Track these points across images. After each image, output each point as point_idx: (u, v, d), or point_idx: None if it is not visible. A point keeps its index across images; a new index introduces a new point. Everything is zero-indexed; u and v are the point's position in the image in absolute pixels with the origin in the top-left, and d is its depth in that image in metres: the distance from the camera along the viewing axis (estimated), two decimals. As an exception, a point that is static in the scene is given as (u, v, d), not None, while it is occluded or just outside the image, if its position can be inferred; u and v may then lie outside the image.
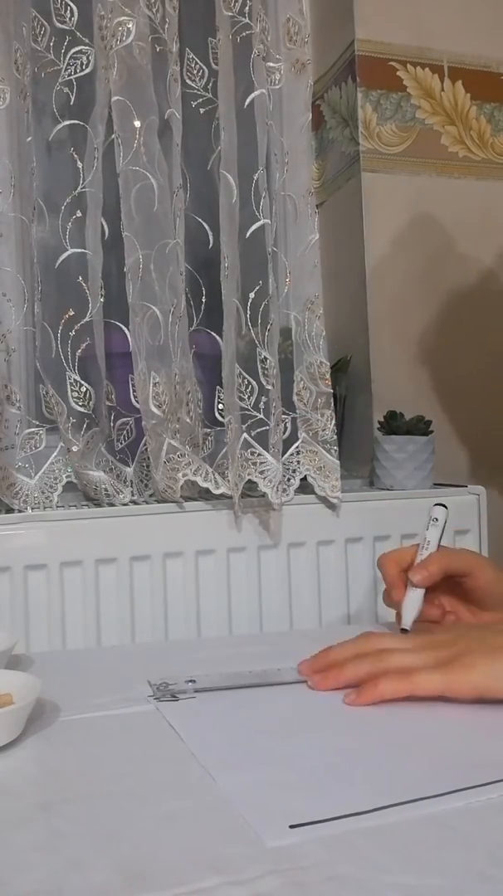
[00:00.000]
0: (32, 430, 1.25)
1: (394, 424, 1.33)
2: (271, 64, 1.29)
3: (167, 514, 1.20)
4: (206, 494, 1.23)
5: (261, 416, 1.20)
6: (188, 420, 1.25)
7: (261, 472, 1.19)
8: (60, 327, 1.21)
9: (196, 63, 1.34)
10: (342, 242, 1.52)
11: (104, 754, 0.49)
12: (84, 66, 1.23)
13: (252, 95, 1.22)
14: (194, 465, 1.19)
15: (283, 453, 1.24)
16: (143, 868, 0.35)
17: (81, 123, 1.23)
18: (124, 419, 1.28)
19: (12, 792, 0.44)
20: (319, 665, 0.63)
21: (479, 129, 1.54)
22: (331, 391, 1.27)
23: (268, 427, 1.20)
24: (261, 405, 1.20)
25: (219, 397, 1.26)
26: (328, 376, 1.27)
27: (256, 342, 1.20)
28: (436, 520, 0.78)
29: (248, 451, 1.20)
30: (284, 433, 1.24)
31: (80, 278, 1.22)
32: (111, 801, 0.42)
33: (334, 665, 0.61)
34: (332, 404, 1.27)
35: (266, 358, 1.20)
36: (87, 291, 1.22)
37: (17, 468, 1.23)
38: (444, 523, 0.78)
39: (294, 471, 1.26)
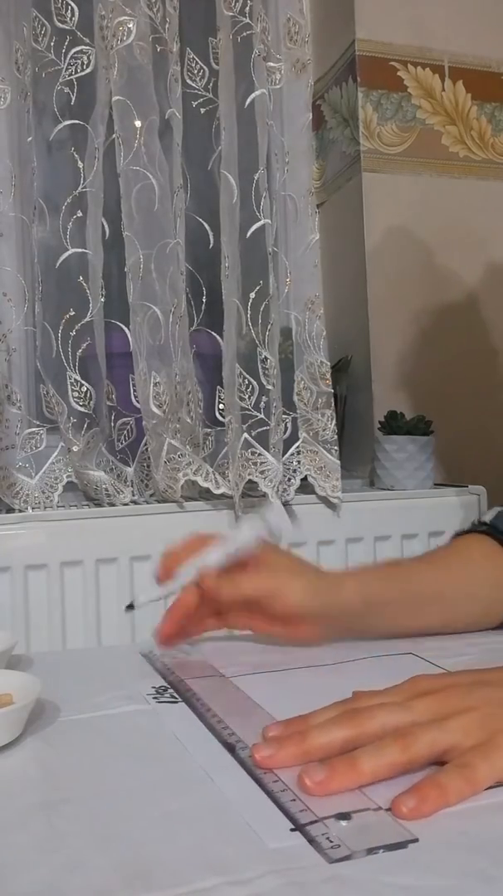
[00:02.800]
0: (33, 429, 1.25)
1: (394, 424, 1.33)
2: (272, 64, 1.29)
3: (167, 514, 1.20)
4: (206, 494, 1.23)
5: (262, 415, 1.20)
6: (189, 420, 1.25)
7: (262, 472, 1.19)
8: (61, 327, 1.21)
9: (196, 63, 1.34)
10: (342, 242, 1.52)
11: (104, 754, 0.49)
12: (85, 66, 1.23)
13: (252, 95, 1.23)
14: (195, 465, 1.19)
15: (284, 453, 1.24)
16: (143, 868, 0.35)
17: (82, 123, 1.23)
18: (125, 419, 1.28)
19: (12, 792, 0.44)
20: (287, 730, 0.48)
21: (480, 129, 1.54)
22: (332, 391, 1.27)
23: (268, 427, 1.20)
24: (262, 405, 1.20)
25: (219, 397, 1.26)
26: (328, 376, 1.27)
27: (257, 342, 1.20)
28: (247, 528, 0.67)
29: (249, 450, 1.20)
30: (285, 433, 1.25)
31: (81, 278, 1.22)
32: (111, 801, 0.42)
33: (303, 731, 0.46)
34: (333, 404, 1.27)
35: (266, 358, 1.20)
36: (87, 291, 1.22)
37: (18, 468, 1.23)
38: (255, 538, 0.67)
39: (294, 471, 1.26)
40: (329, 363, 1.27)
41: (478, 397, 1.53)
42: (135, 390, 1.25)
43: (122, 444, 1.29)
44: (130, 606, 0.66)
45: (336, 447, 1.26)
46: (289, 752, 0.45)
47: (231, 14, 1.23)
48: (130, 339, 1.23)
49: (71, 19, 1.22)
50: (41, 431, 1.25)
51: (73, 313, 1.21)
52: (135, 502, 1.24)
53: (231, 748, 0.48)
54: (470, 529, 0.83)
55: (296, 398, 1.27)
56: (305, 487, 1.27)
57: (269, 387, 1.20)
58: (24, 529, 1.15)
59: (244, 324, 1.21)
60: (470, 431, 1.51)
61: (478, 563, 0.77)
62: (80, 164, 1.23)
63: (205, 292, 1.36)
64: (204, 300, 1.36)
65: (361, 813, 0.39)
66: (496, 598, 0.75)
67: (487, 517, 0.82)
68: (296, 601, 0.65)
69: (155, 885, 0.34)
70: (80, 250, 1.22)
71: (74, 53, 1.23)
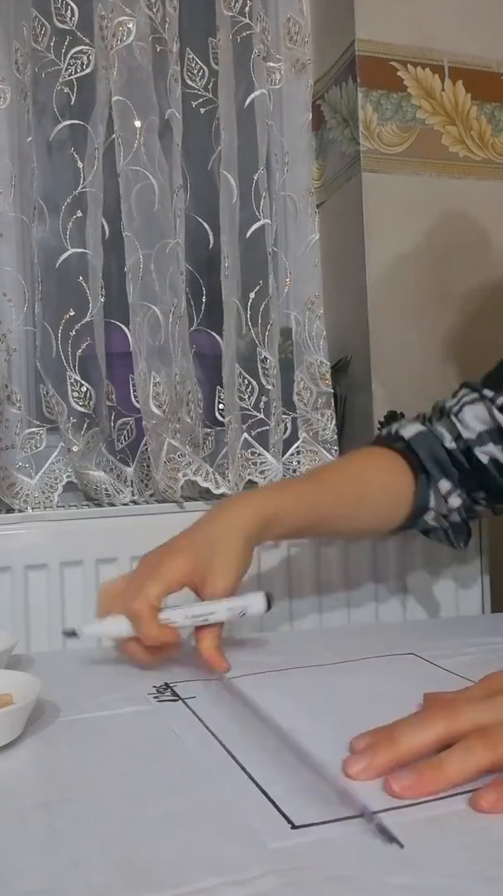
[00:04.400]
0: (33, 430, 1.25)
1: (394, 424, 1.33)
2: (271, 64, 1.29)
3: (167, 514, 1.20)
4: (206, 494, 1.23)
5: (262, 415, 1.20)
6: (188, 420, 1.25)
7: (262, 472, 1.19)
8: (61, 327, 1.21)
9: (196, 63, 1.34)
10: (342, 242, 1.52)
11: (104, 754, 0.49)
12: (84, 66, 1.23)
13: (252, 95, 1.23)
14: (194, 465, 1.19)
15: (284, 453, 1.24)
16: (143, 868, 0.35)
17: (82, 123, 1.23)
18: (125, 419, 1.28)
19: (12, 792, 0.44)
20: (375, 738, 0.46)
21: (480, 130, 1.54)
22: (332, 391, 1.27)
23: (268, 427, 1.20)
24: (262, 405, 1.20)
25: (219, 397, 1.26)
26: (328, 376, 1.27)
27: (257, 342, 1.20)
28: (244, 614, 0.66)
29: (249, 450, 1.20)
30: (285, 433, 1.25)
31: (81, 278, 1.22)
32: (111, 801, 0.42)
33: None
34: (333, 404, 1.27)
35: (266, 358, 1.20)
36: (87, 291, 1.22)
37: (18, 468, 1.23)
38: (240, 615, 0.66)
39: (294, 471, 1.26)
40: (329, 363, 1.27)
41: (477, 397, 1.53)
42: (135, 390, 1.25)
43: (121, 444, 1.29)
44: (72, 634, 0.66)
45: (336, 447, 1.26)
46: (382, 759, 0.43)
47: (231, 14, 1.23)
48: (130, 339, 1.23)
49: (71, 19, 1.22)
50: (41, 431, 1.25)
51: (72, 313, 1.21)
52: (135, 502, 1.24)
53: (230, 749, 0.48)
54: (386, 439, 0.91)
55: (295, 398, 1.27)
56: (305, 487, 1.27)
57: (269, 387, 1.20)
58: (24, 529, 1.15)
59: (244, 324, 1.21)
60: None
61: (383, 482, 0.86)
62: (80, 164, 1.23)
63: (205, 292, 1.36)
64: (204, 300, 1.36)
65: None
66: (392, 506, 0.87)
67: (407, 431, 0.90)
68: (228, 584, 0.68)
69: (155, 885, 0.34)
70: (79, 250, 1.22)
71: (74, 53, 1.23)
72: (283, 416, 1.24)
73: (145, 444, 1.25)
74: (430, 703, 0.49)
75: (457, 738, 0.43)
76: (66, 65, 1.22)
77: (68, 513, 1.18)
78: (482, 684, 0.49)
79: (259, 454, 1.19)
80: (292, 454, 1.26)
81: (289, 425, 1.26)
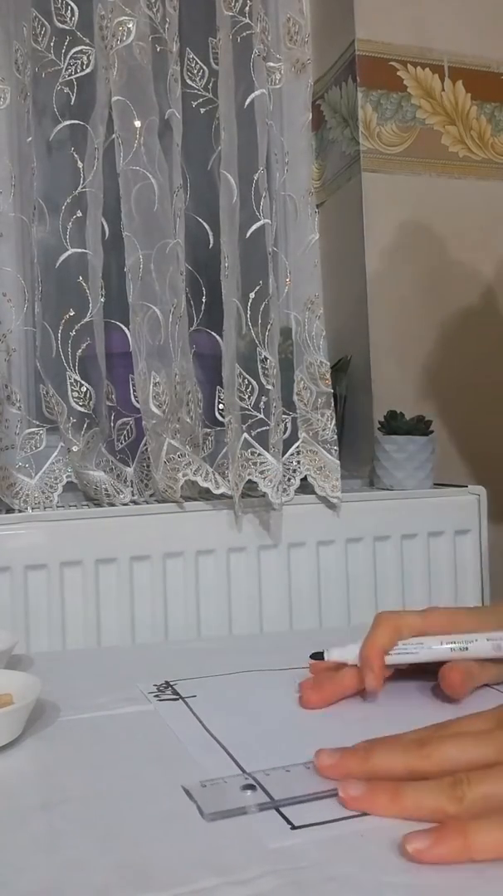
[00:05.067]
0: (33, 430, 1.25)
1: (394, 424, 1.33)
2: (271, 64, 1.29)
3: (167, 514, 1.20)
4: (206, 494, 1.23)
5: (262, 415, 1.20)
6: (188, 420, 1.25)
7: (262, 472, 1.19)
8: (61, 327, 1.21)
9: (196, 63, 1.34)
10: (342, 242, 1.52)
11: (104, 754, 0.49)
12: (84, 66, 1.23)
13: (252, 95, 1.23)
14: (194, 465, 1.19)
15: (284, 453, 1.24)
16: (143, 868, 0.35)
17: (82, 123, 1.23)
18: (124, 419, 1.28)
19: (12, 792, 0.44)
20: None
21: (480, 129, 1.54)
22: (332, 391, 1.27)
23: (268, 427, 1.20)
24: (262, 405, 1.20)
25: (219, 397, 1.26)
26: (328, 376, 1.27)
27: (256, 342, 1.20)
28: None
29: (249, 450, 1.20)
30: (285, 433, 1.24)
31: (81, 278, 1.22)
32: (111, 801, 0.42)
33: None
34: (333, 404, 1.27)
35: (266, 358, 1.20)
36: (87, 291, 1.22)
37: (18, 468, 1.23)
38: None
39: (294, 471, 1.26)
40: (329, 363, 1.27)
41: (477, 397, 1.53)
42: (134, 390, 1.25)
43: (121, 444, 1.29)
44: (319, 655, 0.59)
45: (336, 447, 1.26)
46: (350, 766, 0.42)
47: (231, 14, 1.23)
48: (130, 339, 1.23)
49: (71, 19, 1.22)
50: (41, 431, 1.25)
51: (72, 313, 1.21)
52: (135, 502, 1.24)
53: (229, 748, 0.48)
54: None
55: (295, 398, 1.27)
56: (305, 487, 1.27)
57: (269, 387, 1.20)
58: (24, 529, 1.15)
59: (244, 324, 1.21)
60: (470, 431, 1.52)
61: None
62: (80, 164, 1.23)
63: (205, 292, 1.36)
64: (204, 300, 1.36)
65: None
66: None
67: None
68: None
69: (155, 885, 0.34)
70: (79, 250, 1.22)
71: (74, 53, 1.23)
72: (283, 416, 1.24)
73: (145, 444, 1.25)
74: (433, 727, 0.44)
75: (428, 772, 0.40)
76: (66, 65, 1.22)
77: (68, 513, 1.18)
78: (493, 714, 0.44)
79: (259, 454, 1.19)
80: (292, 454, 1.26)
81: (289, 425, 1.26)
